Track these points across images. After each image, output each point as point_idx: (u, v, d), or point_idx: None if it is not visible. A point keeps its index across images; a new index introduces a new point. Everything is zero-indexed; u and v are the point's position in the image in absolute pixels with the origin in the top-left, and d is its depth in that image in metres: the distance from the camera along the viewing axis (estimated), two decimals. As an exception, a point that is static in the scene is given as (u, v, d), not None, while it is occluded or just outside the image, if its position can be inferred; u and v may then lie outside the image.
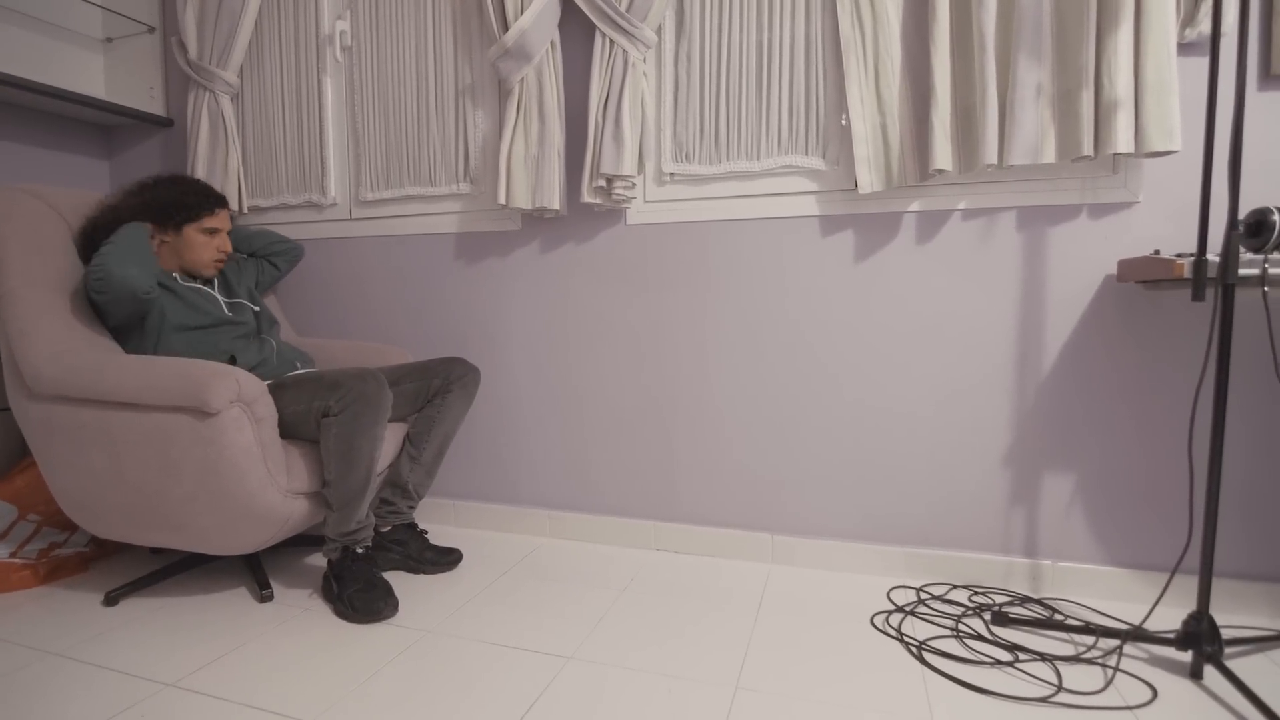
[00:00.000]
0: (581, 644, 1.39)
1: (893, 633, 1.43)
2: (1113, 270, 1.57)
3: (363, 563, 1.51)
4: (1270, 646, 1.37)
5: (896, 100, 1.64)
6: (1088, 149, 1.48)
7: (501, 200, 1.89)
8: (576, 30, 1.89)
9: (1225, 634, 1.41)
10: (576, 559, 1.86)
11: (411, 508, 1.73)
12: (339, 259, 2.22)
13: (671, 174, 1.91)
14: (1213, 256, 1.23)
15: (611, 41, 1.81)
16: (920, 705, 1.18)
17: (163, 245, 1.65)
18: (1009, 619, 1.45)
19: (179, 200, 1.62)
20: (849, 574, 1.75)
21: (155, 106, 2.37)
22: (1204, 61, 1.50)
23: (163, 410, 1.40)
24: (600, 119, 1.84)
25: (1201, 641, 1.25)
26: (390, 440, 1.68)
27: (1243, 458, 1.52)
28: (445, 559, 1.72)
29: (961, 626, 1.45)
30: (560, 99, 1.89)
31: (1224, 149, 1.50)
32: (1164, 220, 1.54)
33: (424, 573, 1.70)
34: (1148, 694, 1.20)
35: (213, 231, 1.67)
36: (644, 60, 1.82)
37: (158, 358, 1.45)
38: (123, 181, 2.39)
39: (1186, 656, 1.31)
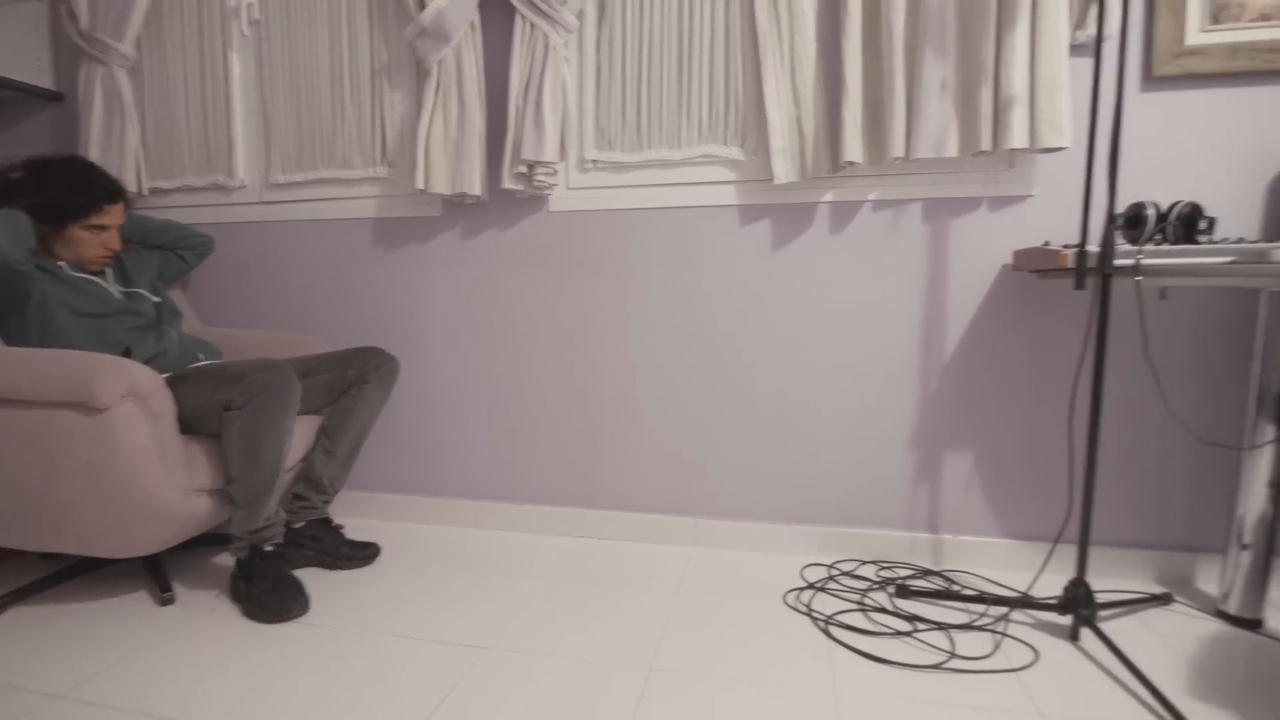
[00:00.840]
0: (501, 634, 1.39)
1: (802, 609, 1.49)
2: (1010, 260, 1.66)
3: (273, 560, 1.46)
4: (1141, 608, 1.50)
5: (811, 93, 1.67)
6: (987, 144, 1.56)
7: (419, 185, 1.84)
8: (497, 12, 1.85)
9: (1102, 598, 1.53)
10: (501, 549, 1.85)
11: (326, 502, 1.69)
12: (250, 244, 2.13)
13: (594, 161, 1.90)
14: (1094, 248, 1.32)
15: (532, 25, 1.78)
16: (825, 677, 1.24)
17: (44, 233, 1.54)
18: (911, 591, 1.53)
19: (65, 201, 1.50)
20: (766, 554, 1.81)
21: (43, 79, 2.20)
22: (1089, 64, 1.59)
23: (46, 406, 1.32)
24: (521, 104, 1.81)
25: (1079, 606, 1.35)
26: (303, 433, 1.63)
27: (1119, 434, 1.64)
28: (362, 554, 1.69)
29: (867, 600, 1.52)
30: (481, 82, 1.85)
31: (1102, 146, 1.60)
32: (1057, 213, 1.64)
33: (340, 568, 1.67)
34: (1031, 656, 1.29)
35: (99, 229, 1.56)
36: (565, 45, 1.80)
37: (40, 350, 1.36)
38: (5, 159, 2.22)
39: (1067, 620, 1.41)
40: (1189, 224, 1.37)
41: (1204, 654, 1.32)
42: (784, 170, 1.69)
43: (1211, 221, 1.38)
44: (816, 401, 1.78)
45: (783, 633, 1.39)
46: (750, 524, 1.84)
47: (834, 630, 1.40)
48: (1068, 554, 1.67)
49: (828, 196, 1.74)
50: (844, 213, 1.74)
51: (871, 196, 1.71)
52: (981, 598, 1.49)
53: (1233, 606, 1.45)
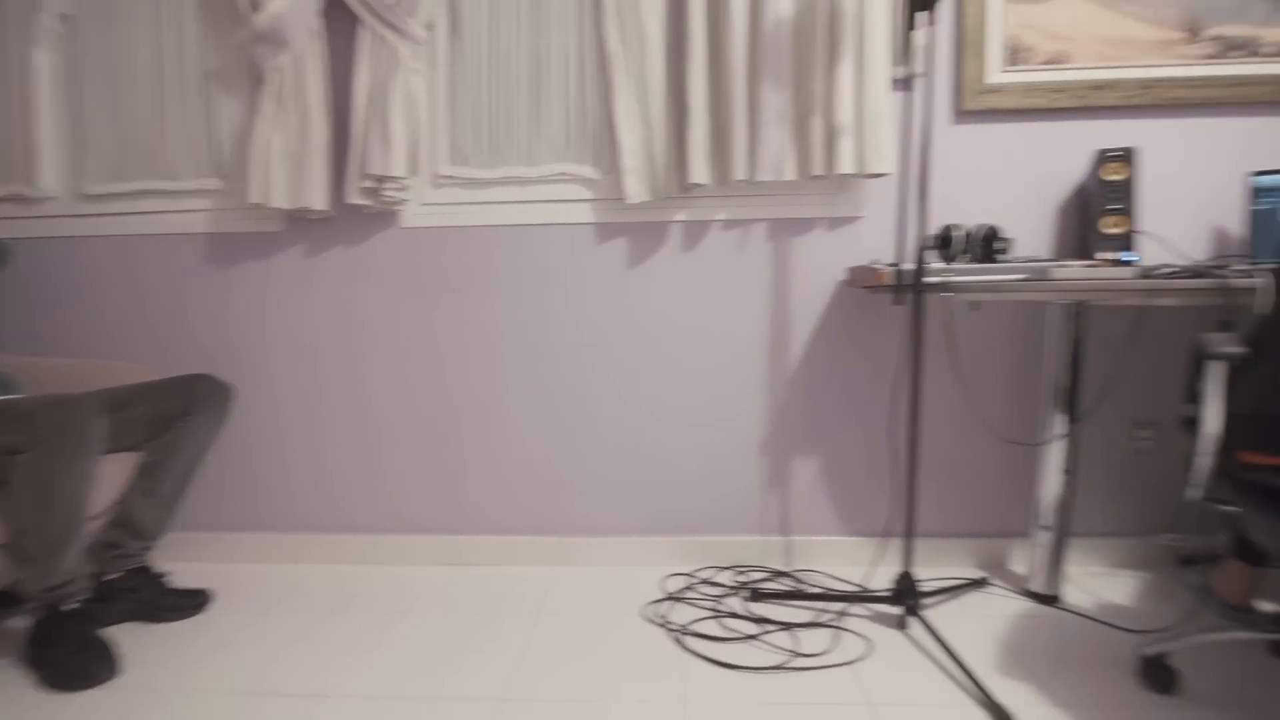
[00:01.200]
0: (346, 679, 1.31)
1: (658, 622, 1.52)
2: (845, 277, 1.78)
3: (75, 619, 1.31)
4: (963, 593, 1.64)
5: (660, 116, 1.72)
6: (821, 168, 1.66)
7: (254, 199, 1.73)
8: (341, 21, 1.76)
9: (932, 585, 1.66)
10: (357, 584, 1.76)
11: (146, 549, 1.53)
12: (59, 262, 1.90)
13: (448, 177, 1.86)
14: (910, 266, 1.44)
15: (379, 36, 1.72)
16: (677, 689, 1.26)
17: None
18: (763, 594, 1.60)
19: None
20: (630, 568, 1.83)
21: None
22: (909, 97, 1.74)
23: None
24: (366, 116, 1.74)
25: (905, 597, 1.46)
26: (116, 473, 1.47)
27: (939, 435, 1.80)
28: (189, 602, 1.55)
29: (720, 607, 1.57)
30: (325, 92, 1.76)
31: (918, 173, 1.74)
32: (885, 233, 1.77)
33: (164, 620, 1.52)
34: (864, 648, 1.39)
35: None
36: (415, 57, 1.75)
37: None
38: None
39: (899, 611, 1.53)
40: (988, 244, 1.53)
41: (1012, 631, 1.46)
42: (636, 190, 1.73)
43: (1008, 242, 1.54)
44: (676, 414, 1.83)
45: (639, 648, 1.41)
46: (615, 539, 1.86)
47: (687, 640, 1.43)
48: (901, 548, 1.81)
49: (679, 216, 1.79)
50: (695, 232, 1.80)
51: (720, 216, 1.78)
52: (825, 595, 1.59)
53: (1036, 585, 1.62)
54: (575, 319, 1.83)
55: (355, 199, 1.74)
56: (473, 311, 1.84)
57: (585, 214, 1.81)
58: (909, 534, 1.47)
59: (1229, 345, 1.03)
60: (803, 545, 1.82)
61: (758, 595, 1.59)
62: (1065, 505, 1.59)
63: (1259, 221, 1.52)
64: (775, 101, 1.66)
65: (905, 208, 1.70)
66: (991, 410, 1.79)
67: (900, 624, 1.47)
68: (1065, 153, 1.71)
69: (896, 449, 1.79)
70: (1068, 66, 1.69)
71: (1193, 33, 1.66)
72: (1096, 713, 1.18)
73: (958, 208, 1.76)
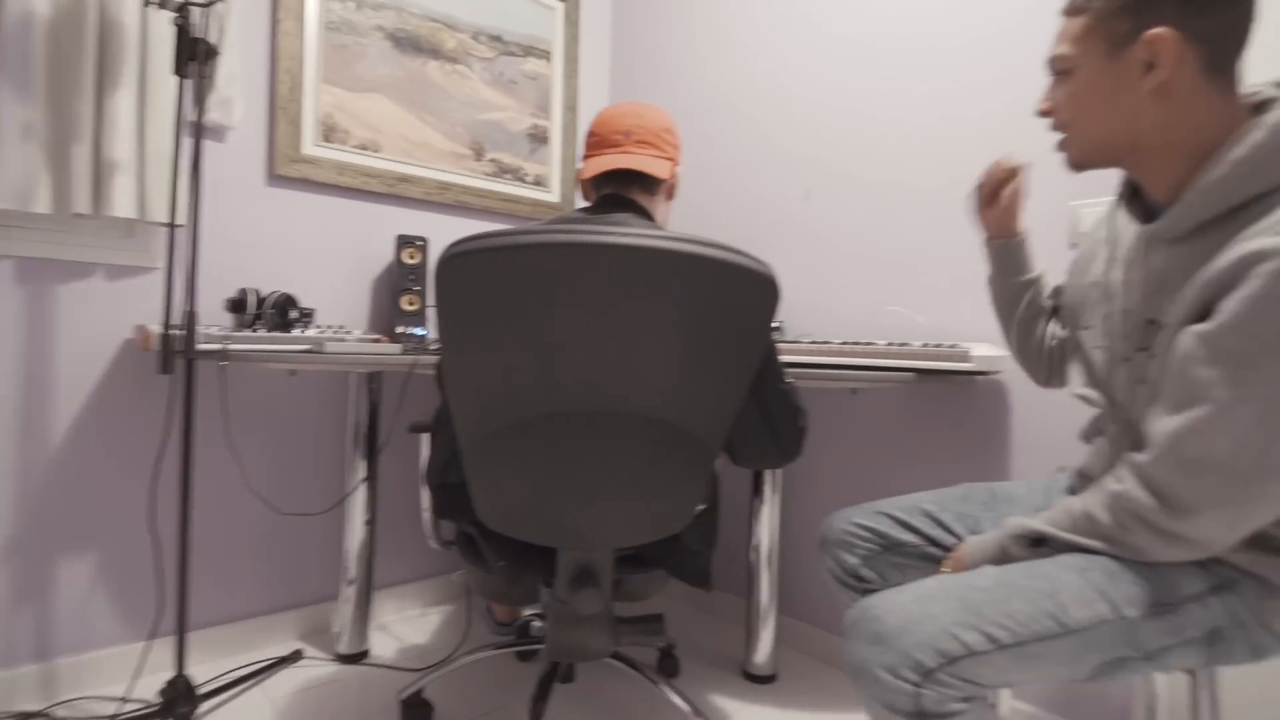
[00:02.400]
0: None
1: None
2: (132, 335, 1.53)
3: None
4: (270, 674, 1.56)
5: None
6: (85, 207, 1.39)
7: None
8: None
9: (239, 674, 1.53)
10: None
11: None
12: None
13: None
14: (215, 328, 1.31)
15: None
16: None
17: None
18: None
19: None
20: None
21: None
22: (219, 147, 1.64)
23: None
24: None
25: (177, 705, 1.29)
26: None
27: (245, 506, 1.70)
28: None
29: None
30: None
31: (223, 230, 1.65)
32: (184, 289, 1.60)
33: None
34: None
35: None
36: None
37: None
38: None
39: (176, 721, 1.34)
40: (283, 311, 1.53)
41: (308, 703, 1.44)
42: None
43: (306, 311, 1.58)
44: None
45: None
46: None
47: None
48: (193, 642, 1.63)
49: None
50: None
51: (-79, 246, 1.32)
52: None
53: (346, 644, 1.66)
54: None
55: None
56: None
57: None
58: (181, 629, 1.30)
59: (424, 419, 1.24)
60: (70, 668, 1.44)
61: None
62: (369, 557, 1.68)
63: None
64: (20, 114, 1.33)
65: (195, 264, 1.56)
66: (311, 474, 1.78)
67: (164, 740, 1.28)
68: (378, 233, 1.88)
69: (160, 538, 1.61)
70: (379, 155, 1.87)
71: (478, 153, 2.06)
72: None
73: (270, 272, 1.71)
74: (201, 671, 1.56)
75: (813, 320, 1.79)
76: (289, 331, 1.49)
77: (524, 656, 1.67)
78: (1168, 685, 1.05)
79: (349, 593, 1.65)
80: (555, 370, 0.86)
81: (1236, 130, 0.71)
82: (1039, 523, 0.80)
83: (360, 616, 1.67)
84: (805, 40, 1.82)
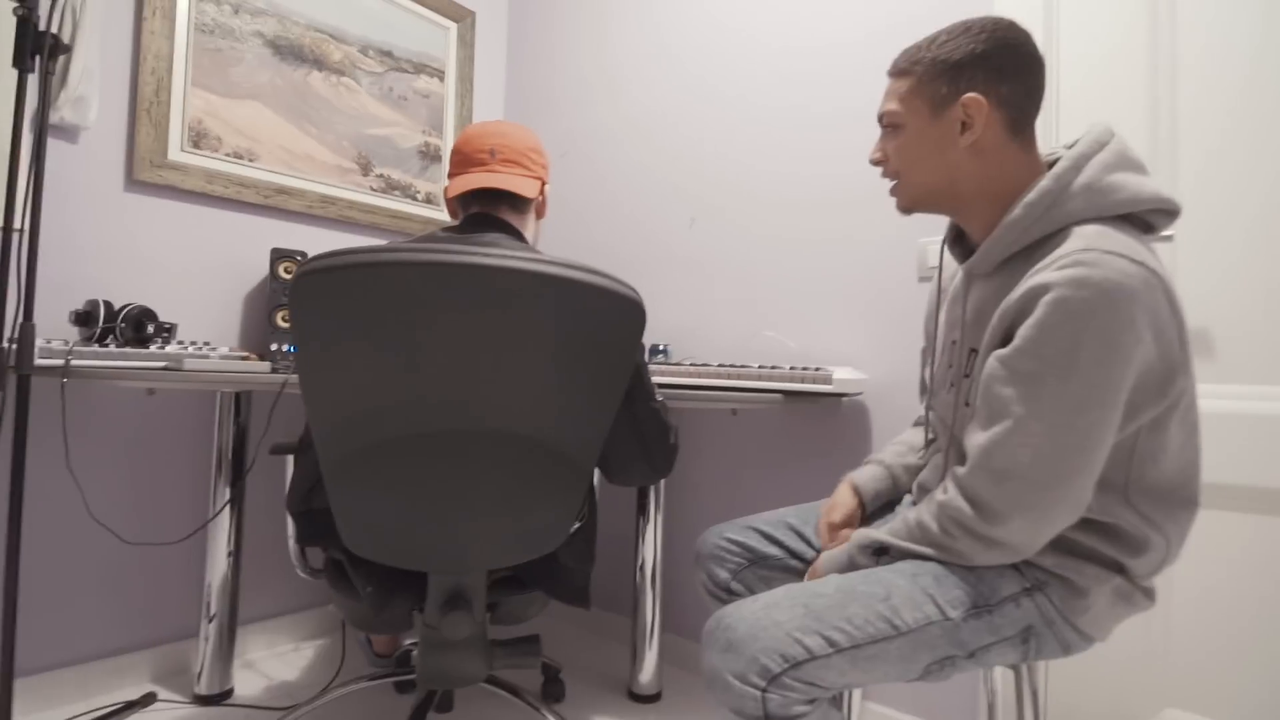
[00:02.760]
0: None
1: None
2: (-46, 350, 1.38)
3: None
4: (121, 718, 1.43)
5: None
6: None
7: None
8: None
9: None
10: None
11: None
12: None
13: None
14: (57, 342, 1.20)
15: None
16: None
17: None
18: None
19: None
20: None
21: None
22: (70, 149, 1.51)
23: None
24: None
25: (-8, 764, 1.15)
26: None
27: (87, 541, 1.56)
28: None
29: None
30: None
31: (71, 238, 1.52)
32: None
33: None
34: None
35: None
36: None
37: None
38: None
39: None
40: (140, 326, 1.42)
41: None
42: None
43: (165, 327, 1.47)
44: None
45: None
46: None
47: None
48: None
49: None
50: None
51: None
52: None
53: (207, 685, 1.54)
54: None
55: None
56: None
57: None
58: (8, 675, 1.17)
59: (287, 441, 1.19)
60: None
61: None
62: (233, 589, 1.58)
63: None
64: None
65: (34, 272, 1.42)
66: (170, 501, 1.66)
67: (-32, 807, 1.14)
68: (253, 246, 1.79)
69: (20, 565, 1.45)
70: (255, 165, 1.78)
71: (364, 168, 2.01)
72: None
73: (128, 284, 1.59)
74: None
75: (696, 344, 1.86)
76: (146, 347, 1.39)
77: (402, 688, 1.61)
78: (1002, 684, 1.17)
79: (210, 629, 1.54)
80: (420, 390, 0.86)
81: (1034, 180, 0.83)
82: (881, 533, 0.88)
83: (223, 654, 1.55)
84: (686, 87, 1.92)
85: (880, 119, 0.91)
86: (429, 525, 0.96)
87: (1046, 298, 0.73)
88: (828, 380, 1.34)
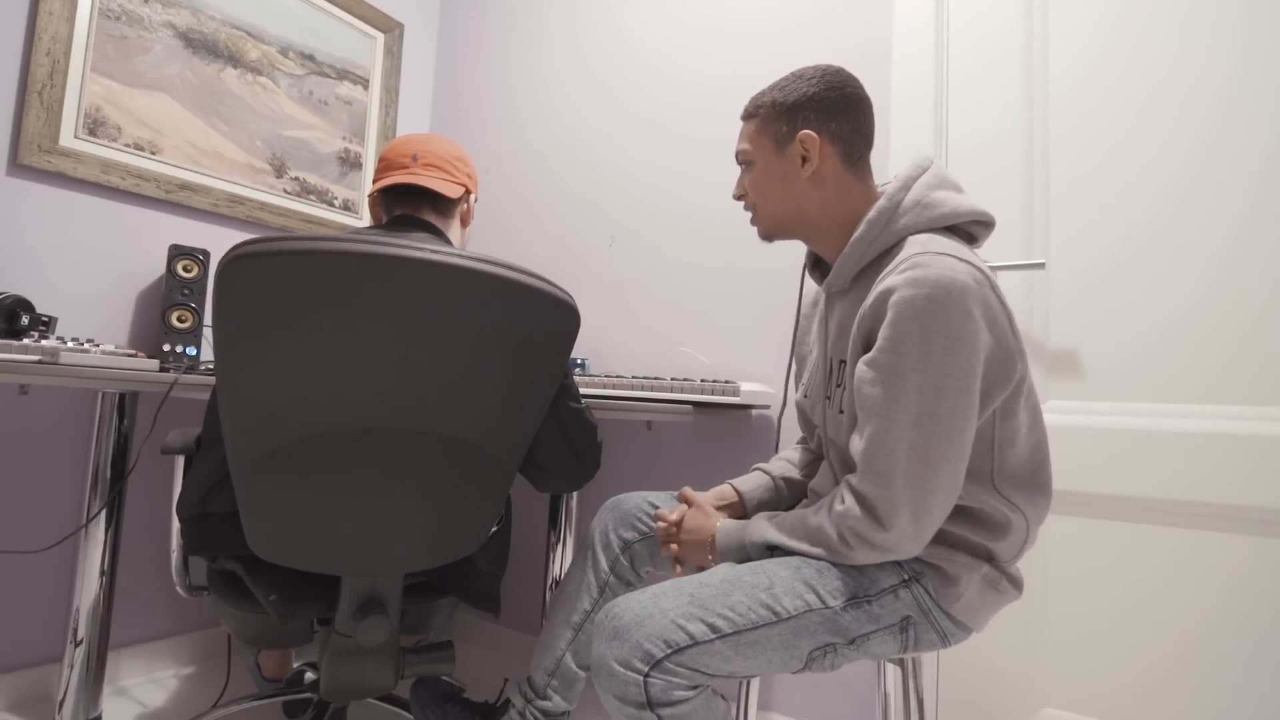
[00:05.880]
0: None
1: None
2: None
3: None
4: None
5: None
6: None
7: None
8: None
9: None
10: None
11: None
12: None
13: None
14: None
15: None
16: None
17: None
18: None
19: None
20: None
21: None
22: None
23: None
24: None
25: None
26: None
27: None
28: None
29: None
30: None
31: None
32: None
33: None
34: None
35: None
36: None
37: None
38: None
39: None
40: (10, 317, 1.33)
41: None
42: None
43: (43, 319, 1.38)
44: None
45: None
46: None
47: None
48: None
49: None
50: None
51: None
52: None
53: (70, 713, 1.41)
54: None
55: None
56: None
57: None
58: None
59: (181, 440, 1.13)
60: None
61: None
62: (105, 609, 1.46)
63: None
64: None
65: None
66: (35, 511, 1.53)
67: None
68: (150, 242, 1.70)
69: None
70: (157, 158, 1.71)
71: (278, 169, 1.95)
72: None
73: (6, 273, 1.48)
74: None
75: (614, 358, 1.88)
76: (18, 340, 1.29)
77: (290, 710, 1.52)
78: (895, 688, 1.21)
79: (77, 653, 1.41)
80: (349, 385, 0.84)
81: (872, 204, 0.92)
82: (779, 536, 0.90)
83: (91, 680, 1.42)
84: (610, 113, 1.97)
85: (737, 157, 1.00)
86: (349, 527, 0.93)
87: (893, 299, 0.80)
88: (736, 393, 1.38)
